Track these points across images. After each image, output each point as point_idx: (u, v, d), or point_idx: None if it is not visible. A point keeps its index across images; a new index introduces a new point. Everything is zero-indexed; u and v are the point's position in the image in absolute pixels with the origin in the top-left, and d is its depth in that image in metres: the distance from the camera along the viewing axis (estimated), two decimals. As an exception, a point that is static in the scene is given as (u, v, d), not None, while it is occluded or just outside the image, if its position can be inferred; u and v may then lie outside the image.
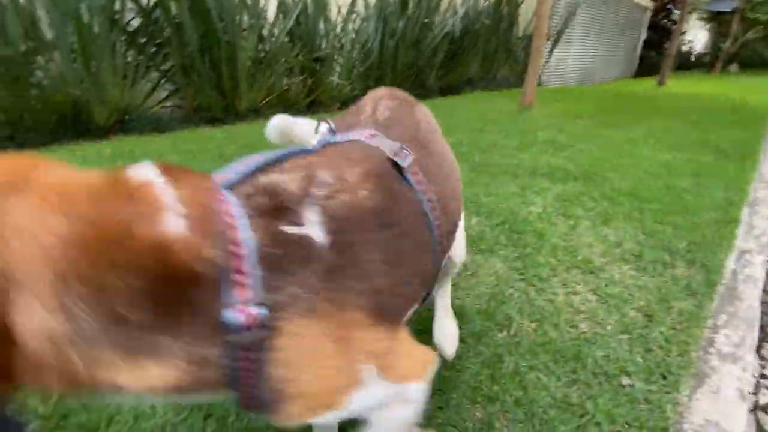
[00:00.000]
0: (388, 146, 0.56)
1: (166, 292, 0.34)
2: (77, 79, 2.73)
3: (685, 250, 1.52)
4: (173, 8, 3.07)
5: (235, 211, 0.39)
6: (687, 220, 1.77)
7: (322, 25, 4.32)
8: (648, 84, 8.14)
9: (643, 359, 1.00)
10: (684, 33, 15.21)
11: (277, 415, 0.43)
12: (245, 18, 3.54)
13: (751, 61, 15.04)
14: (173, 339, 0.35)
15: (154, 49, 3.22)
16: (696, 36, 17.66)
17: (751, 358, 1.08)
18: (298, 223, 0.42)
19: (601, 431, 0.81)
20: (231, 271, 0.37)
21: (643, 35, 12.02)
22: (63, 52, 2.64)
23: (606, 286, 1.28)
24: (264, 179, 0.45)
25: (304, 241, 0.41)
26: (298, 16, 3.99)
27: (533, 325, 1.10)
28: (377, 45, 4.82)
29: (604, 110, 4.50)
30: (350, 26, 4.68)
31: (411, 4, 5.08)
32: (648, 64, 11.84)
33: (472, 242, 1.49)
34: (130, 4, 2.97)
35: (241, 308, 0.36)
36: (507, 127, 3.41)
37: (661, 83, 7.72)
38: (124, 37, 2.97)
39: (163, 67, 3.30)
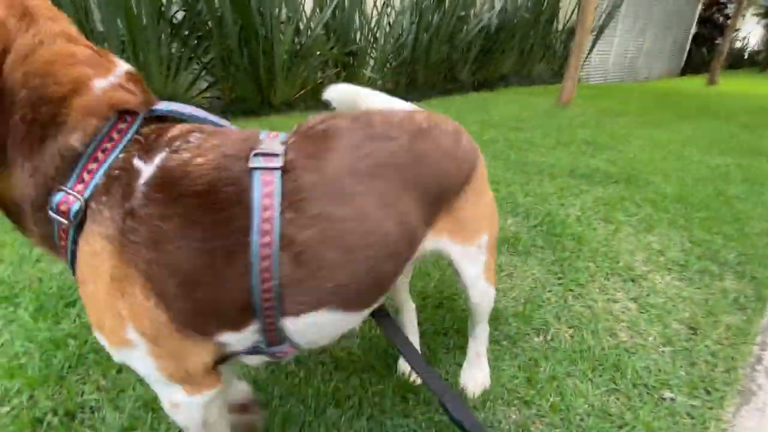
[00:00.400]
0: (267, 145, 0.50)
1: (44, 124, 0.44)
2: (126, 70, 2.87)
3: (734, 262, 1.44)
4: (216, 1, 3.16)
5: (129, 129, 0.47)
6: (737, 229, 1.68)
7: (357, 19, 4.32)
8: (696, 82, 7.69)
9: (687, 373, 0.97)
10: (738, 30, 14.24)
11: None
12: (283, 11, 3.60)
13: (813, 59, 13.93)
14: (24, 160, 0.44)
15: (196, 41, 3.33)
16: (751, 32, 16.46)
17: (804, 380, 1.03)
18: (146, 161, 0.46)
19: (641, 443, 0.80)
20: (86, 162, 0.45)
21: (693, 30, 11.32)
22: (113, 44, 2.77)
23: (648, 295, 1.24)
24: (171, 126, 0.50)
25: (133, 176, 0.45)
26: (334, 9, 4.01)
27: (570, 331, 1.08)
28: (411, 39, 4.78)
29: (647, 109, 4.30)
30: (385, 20, 4.67)
31: (448, -2, 5.00)
32: (696, 62, 11.18)
33: (508, 243, 1.47)
34: (175, -2, 3.07)
35: (68, 194, 0.44)
36: (544, 125, 3.32)
37: (711, 82, 7.28)
38: (169, 30, 3.08)
39: (203, 59, 3.41)
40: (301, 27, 3.85)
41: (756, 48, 15.42)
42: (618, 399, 0.89)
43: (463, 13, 5.25)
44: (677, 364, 1.00)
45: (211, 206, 0.45)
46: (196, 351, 0.49)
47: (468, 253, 0.70)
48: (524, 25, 6.13)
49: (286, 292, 0.49)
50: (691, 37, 11.38)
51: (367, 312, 0.60)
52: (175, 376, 0.50)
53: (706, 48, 10.93)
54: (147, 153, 0.46)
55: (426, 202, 0.58)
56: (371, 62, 4.73)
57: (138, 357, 0.49)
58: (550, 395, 0.88)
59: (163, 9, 3.00)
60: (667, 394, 0.91)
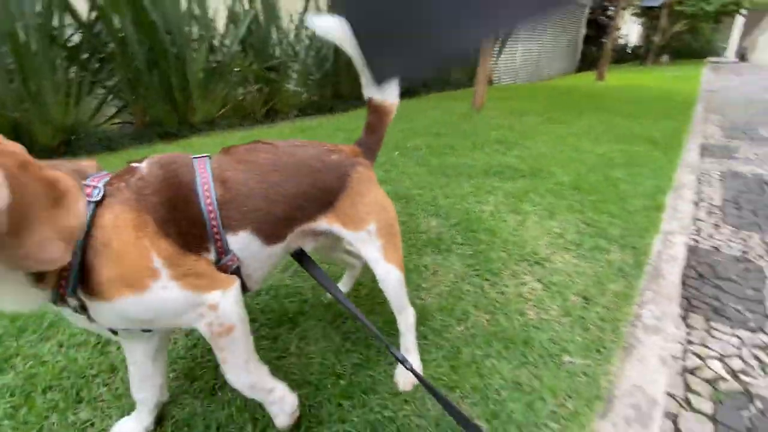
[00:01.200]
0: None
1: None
2: (17, 100, 2.59)
3: (618, 236, 1.70)
4: (116, 22, 2.97)
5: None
6: (621, 208, 1.97)
7: (274, 34, 4.31)
8: (588, 78, 8.69)
9: (582, 338, 1.14)
10: (620, 28, 16.25)
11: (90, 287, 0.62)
12: (195, 29, 3.48)
13: (679, 52, 16.38)
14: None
15: (98, 64, 3.10)
16: (630, 30, 18.93)
17: (672, 329, 1.25)
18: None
19: (545, 405, 0.93)
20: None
21: (583, 31, 12.78)
22: (-2, 73, 2.50)
23: (551, 274, 1.43)
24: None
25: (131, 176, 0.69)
26: (249, 24, 3.97)
27: (487, 316, 1.21)
28: (332, 52, 4.86)
29: (549, 107, 4.80)
30: (303, 33, 4.70)
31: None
32: (589, 59, 12.60)
33: (432, 244, 1.59)
34: (69, 20, 2.84)
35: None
36: (462, 129, 3.57)
37: (599, 78, 8.27)
38: (64, 54, 2.85)
39: (108, 83, 3.19)
40: (216, 44, 3.76)
41: (636, 44, 17.76)
42: (528, 370, 1.03)
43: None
44: (574, 331, 1.16)
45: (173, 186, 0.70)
46: (199, 262, 0.69)
47: (360, 237, 0.88)
48: (438, 34, 6.52)
49: (221, 209, 0.72)
50: (582, 37, 12.82)
51: (280, 247, 0.80)
52: (199, 285, 0.67)
53: (595, 47, 12.37)
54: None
55: (311, 196, 0.82)
56: (294, 76, 4.73)
57: (165, 286, 0.64)
58: (471, 377, 0.99)
59: (55, 33, 2.76)
60: (567, 359, 1.07)
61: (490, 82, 8.37)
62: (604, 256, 1.56)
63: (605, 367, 1.05)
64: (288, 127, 3.93)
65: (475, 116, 4.16)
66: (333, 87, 5.16)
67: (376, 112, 0.95)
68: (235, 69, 3.88)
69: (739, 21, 19.32)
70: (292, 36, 4.58)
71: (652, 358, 1.08)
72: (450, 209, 1.91)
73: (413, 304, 1.01)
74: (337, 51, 4.86)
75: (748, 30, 18.30)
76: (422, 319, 1.15)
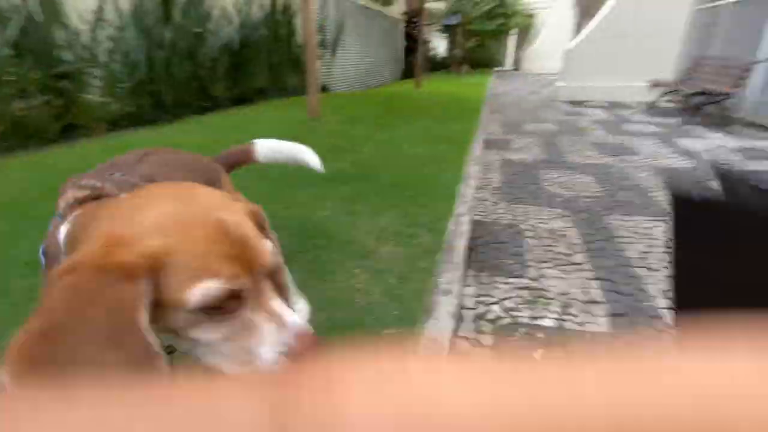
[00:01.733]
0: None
1: None
2: None
3: (427, 222, 2.11)
4: None
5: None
6: (430, 199, 2.43)
7: (61, 35, 3.62)
8: (409, 86, 9.96)
9: (398, 312, 1.42)
10: (429, 42, 18.90)
11: None
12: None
13: (477, 63, 20.16)
14: None
15: None
16: (440, 44, 22.24)
17: (459, 289, 1.66)
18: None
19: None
20: None
21: (402, 43, 14.47)
22: None
23: (376, 264, 1.70)
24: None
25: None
26: (23, 24, 3.24)
27: (325, 314, 1.39)
28: (144, 56, 4.35)
29: (378, 113, 5.36)
30: (102, 34, 4.08)
31: (176, 13, 4.77)
32: (410, 67, 14.37)
33: (271, 255, 1.69)
34: None
35: None
36: (299, 137, 3.65)
37: (417, 85, 9.58)
38: None
39: None
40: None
41: (444, 55, 21.05)
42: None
43: (200, 30, 5.11)
44: (393, 307, 1.44)
45: None
46: None
47: None
48: (267, 41, 6.48)
49: None
50: (402, 48, 14.50)
51: None
52: None
53: (413, 57, 14.20)
54: None
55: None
56: (96, 84, 4.06)
57: None
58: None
59: None
60: (388, 331, 1.33)
61: (327, 90, 8.76)
62: (417, 240, 1.93)
63: (414, 330, 1.35)
64: (97, 145, 3.38)
65: (311, 124, 4.36)
66: (153, 96, 4.63)
67: (247, 161, 1.19)
68: (7, 78, 3.13)
69: (513, 38, 24.91)
70: (86, 37, 3.91)
71: (444, 314, 1.43)
72: (290, 219, 2.03)
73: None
74: (151, 56, 4.38)
75: (519, 45, 23.80)
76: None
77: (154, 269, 0.41)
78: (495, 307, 1.71)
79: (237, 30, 5.94)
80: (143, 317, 0.39)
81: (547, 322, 1.58)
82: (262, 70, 6.58)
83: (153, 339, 0.40)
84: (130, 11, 4.33)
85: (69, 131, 3.71)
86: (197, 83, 5.33)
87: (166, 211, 0.45)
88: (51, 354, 0.36)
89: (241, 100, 6.14)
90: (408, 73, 14.53)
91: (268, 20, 6.55)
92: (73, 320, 0.37)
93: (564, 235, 2.27)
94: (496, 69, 20.86)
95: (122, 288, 0.39)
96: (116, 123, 4.18)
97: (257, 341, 0.47)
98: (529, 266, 1.96)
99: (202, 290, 0.42)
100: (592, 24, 7.68)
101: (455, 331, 1.41)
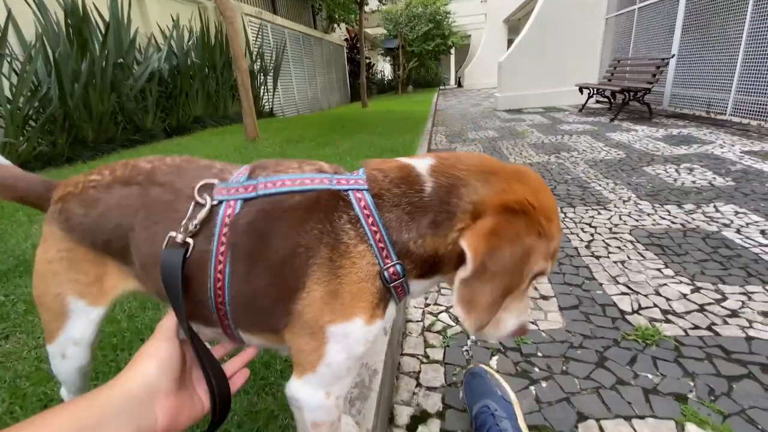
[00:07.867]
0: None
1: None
2: None
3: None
4: None
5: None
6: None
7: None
8: (357, 107, 10.02)
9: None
10: (373, 65, 19.40)
11: None
12: None
13: (419, 82, 20.86)
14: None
15: None
16: (385, 66, 22.84)
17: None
18: None
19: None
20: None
21: (347, 67, 14.69)
22: None
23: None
24: None
25: None
26: None
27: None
28: (55, 92, 3.99)
29: (321, 133, 5.25)
30: (5, 69, 3.70)
31: (93, 44, 4.46)
32: (357, 91, 14.59)
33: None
34: None
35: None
36: (235, 160, 3.48)
37: (364, 105, 9.66)
38: None
39: None
40: None
41: (390, 77, 21.63)
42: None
43: (121, 60, 4.81)
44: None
45: None
46: None
47: None
48: (200, 69, 6.25)
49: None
50: (347, 72, 14.71)
51: None
52: None
53: (358, 81, 14.44)
54: None
55: None
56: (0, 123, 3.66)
57: None
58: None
59: None
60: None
61: (271, 114, 8.59)
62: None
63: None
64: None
65: (249, 147, 4.15)
66: (69, 132, 4.24)
67: None
68: None
69: (454, 57, 26.09)
70: (-16, 73, 3.53)
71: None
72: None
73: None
74: (64, 89, 4.01)
75: (459, 63, 24.96)
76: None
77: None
78: (444, 316, 1.58)
79: (165, 58, 5.67)
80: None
81: (497, 326, 1.45)
82: (198, 98, 6.31)
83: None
84: (37, 44, 3.98)
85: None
86: (125, 116, 4.98)
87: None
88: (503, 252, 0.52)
89: (176, 131, 5.81)
90: (356, 95, 14.73)
91: (199, 47, 6.34)
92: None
93: (510, 233, 2.21)
94: (440, 87, 21.67)
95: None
96: (26, 165, 3.75)
97: None
98: (477, 268, 1.85)
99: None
100: (518, 38, 8.16)
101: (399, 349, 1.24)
